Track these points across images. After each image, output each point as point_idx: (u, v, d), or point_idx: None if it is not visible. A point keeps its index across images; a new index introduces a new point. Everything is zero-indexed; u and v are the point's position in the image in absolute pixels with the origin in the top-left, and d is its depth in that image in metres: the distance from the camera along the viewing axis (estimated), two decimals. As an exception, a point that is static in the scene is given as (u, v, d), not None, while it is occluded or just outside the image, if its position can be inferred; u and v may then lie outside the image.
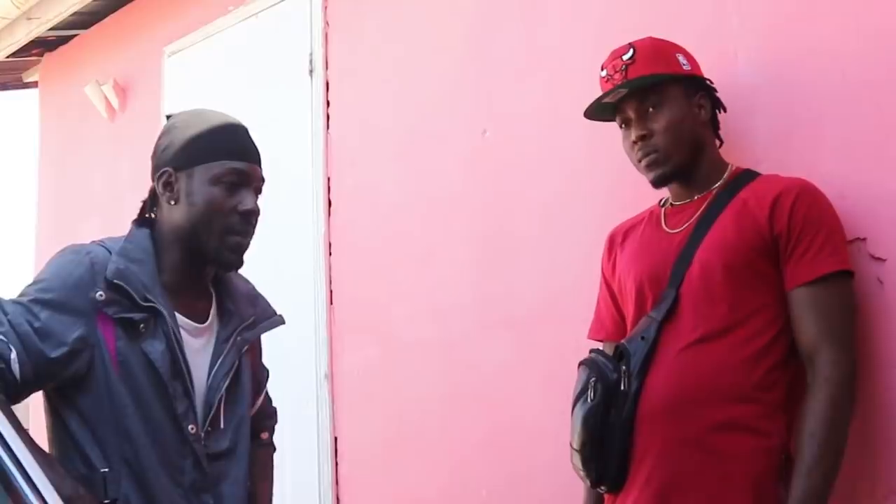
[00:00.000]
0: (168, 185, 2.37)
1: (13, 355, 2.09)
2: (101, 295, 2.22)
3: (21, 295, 2.20)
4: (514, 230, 3.42)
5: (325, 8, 4.33)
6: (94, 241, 2.36)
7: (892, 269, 2.39)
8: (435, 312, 3.71)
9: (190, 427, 2.30)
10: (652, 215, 2.71)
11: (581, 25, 3.23)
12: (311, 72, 4.35)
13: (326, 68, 4.30)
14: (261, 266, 4.50)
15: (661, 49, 2.61)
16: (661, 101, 2.56)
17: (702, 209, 2.53)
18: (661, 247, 2.57)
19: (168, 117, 2.52)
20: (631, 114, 2.58)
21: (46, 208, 6.44)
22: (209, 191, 2.34)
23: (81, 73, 6.00)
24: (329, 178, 4.22)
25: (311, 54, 4.36)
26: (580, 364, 2.55)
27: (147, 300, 2.27)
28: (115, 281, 2.25)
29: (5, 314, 2.13)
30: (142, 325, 2.26)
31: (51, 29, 5.90)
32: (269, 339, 4.44)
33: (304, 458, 4.19)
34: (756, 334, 2.35)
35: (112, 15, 5.85)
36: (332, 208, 4.20)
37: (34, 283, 2.22)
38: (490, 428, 3.44)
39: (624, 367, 2.43)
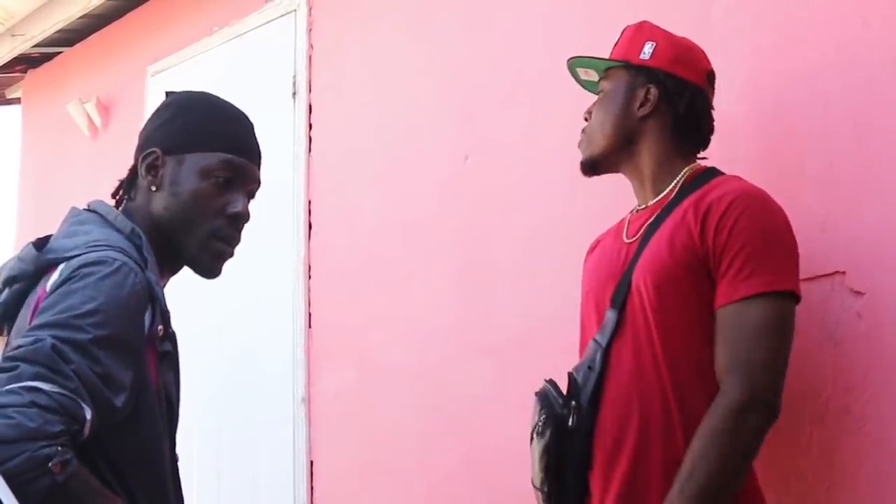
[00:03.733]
0: (153, 168, 2.08)
1: (88, 415, 1.73)
2: (160, 329, 1.93)
3: (70, 329, 1.77)
4: (493, 256, 3.41)
5: (310, 31, 4.34)
6: (106, 245, 1.93)
7: (870, 303, 2.38)
8: (413, 337, 3.69)
9: (176, 455, 2.06)
10: (621, 223, 2.56)
11: (565, 53, 3.24)
12: (294, 94, 4.34)
13: (310, 91, 4.30)
14: (240, 288, 4.50)
15: (638, 33, 2.53)
16: (607, 87, 2.52)
17: (651, 219, 2.40)
18: (612, 261, 2.44)
19: (168, 94, 2.25)
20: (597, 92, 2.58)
21: (26, 226, 6.40)
22: (198, 184, 2.07)
23: (65, 91, 5.98)
24: (310, 201, 4.21)
25: (294, 77, 4.36)
26: (536, 393, 2.43)
27: (170, 325, 2.01)
28: (166, 311, 1.97)
29: (68, 363, 1.72)
30: (167, 356, 2.01)
31: (35, 46, 5.88)
32: (247, 362, 4.45)
33: (280, 482, 4.17)
34: (702, 360, 2.20)
35: (96, 33, 5.84)
36: (312, 231, 4.19)
37: (85, 314, 1.79)
38: (467, 453, 3.43)
39: (574, 402, 2.30)
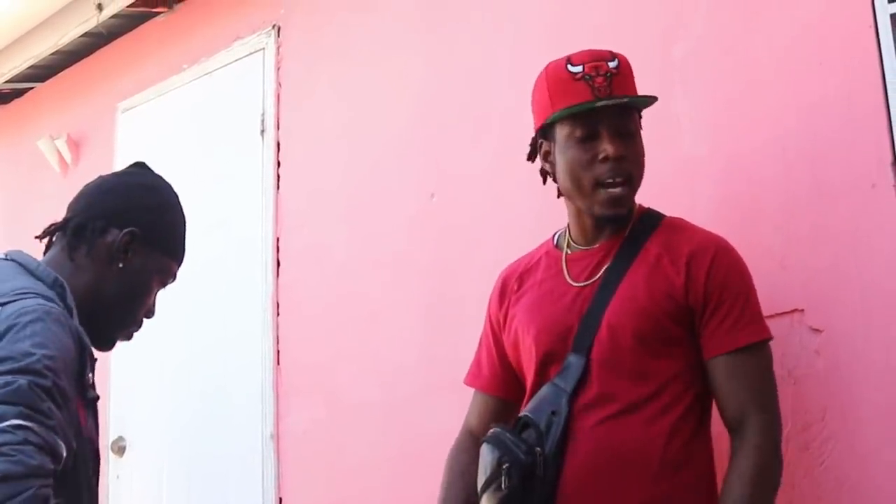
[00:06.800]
0: (124, 247, 2.19)
1: (64, 453, 1.79)
2: (91, 377, 2.01)
3: (34, 374, 1.79)
4: (460, 293, 3.42)
5: (278, 69, 4.36)
6: (33, 293, 1.98)
7: (828, 341, 2.42)
8: (381, 374, 3.70)
9: None
10: (549, 258, 2.48)
11: (530, 91, 3.27)
12: (262, 132, 4.36)
13: (278, 129, 4.31)
14: (209, 325, 4.51)
15: (631, 69, 2.38)
16: (635, 126, 2.35)
17: (609, 261, 2.34)
18: (563, 302, 2.35)
19: (140, 165, 2.41)
20: (603, 130, 2.29)
21: (-4, 262, 6.38)
22: (151, 280, 2.25)
23: (35, 127, 5.97)
24: (278, 239, 4.22)
25: (262, 114, 4.37)
26: (484, 441, 2.31)
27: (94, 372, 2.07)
28: (94, 359, 2.05)
29: (43, 402, 1.76)
30: (92, 403, 2.06)
31: (5, 82, 5.87)
32: (215, 399, 4.44)
33: (248, 520, 4.16)
34: (670, 406, 2.21)
35: (67, 70, 5.84)
36: (280, 269, 4.20)
37: (41, 358, 1.81)
38: (435, 490, 3.41)
39: (538, 449, 2.19)
